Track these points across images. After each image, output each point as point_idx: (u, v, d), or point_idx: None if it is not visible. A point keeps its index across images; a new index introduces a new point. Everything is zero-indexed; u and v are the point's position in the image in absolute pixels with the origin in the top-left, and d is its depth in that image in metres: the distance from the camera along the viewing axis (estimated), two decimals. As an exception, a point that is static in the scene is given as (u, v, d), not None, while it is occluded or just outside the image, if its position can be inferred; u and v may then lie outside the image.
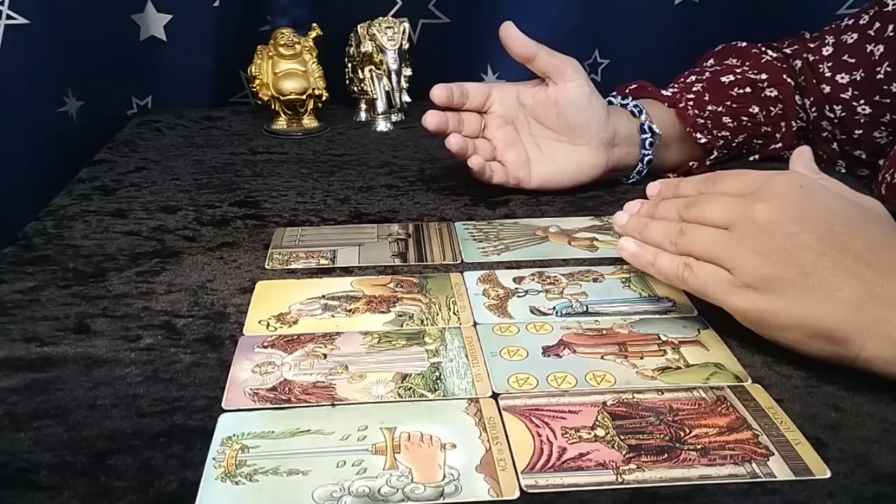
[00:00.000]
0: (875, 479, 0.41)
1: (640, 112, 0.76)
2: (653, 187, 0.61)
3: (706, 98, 0.80)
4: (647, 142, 0.76)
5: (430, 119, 0.73)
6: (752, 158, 0.84)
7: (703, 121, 0.79)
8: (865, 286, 0.47)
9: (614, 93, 0.81)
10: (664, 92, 0.80)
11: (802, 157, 0.58)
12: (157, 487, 0.41)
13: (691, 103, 0.79)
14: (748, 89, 0.82)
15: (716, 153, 0.80)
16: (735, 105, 0.81)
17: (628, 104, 0.77)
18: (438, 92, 0.74)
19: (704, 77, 0.83)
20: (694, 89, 0.81)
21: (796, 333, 0.48)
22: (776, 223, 0.49)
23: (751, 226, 0.50)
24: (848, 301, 0.47)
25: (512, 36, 0.74)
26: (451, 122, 0.74)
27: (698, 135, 0.78)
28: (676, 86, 0.83)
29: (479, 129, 0.76)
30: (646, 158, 0.77)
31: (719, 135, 0.80)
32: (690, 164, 0.80)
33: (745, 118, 0.81)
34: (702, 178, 0.58)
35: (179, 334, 0.54)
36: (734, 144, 0.81)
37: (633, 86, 0.82)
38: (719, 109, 0.80)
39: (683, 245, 0.54)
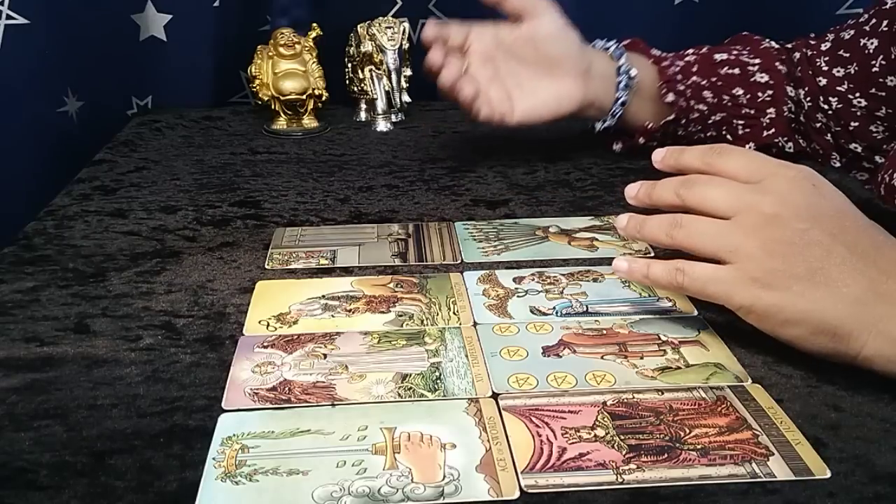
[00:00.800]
0: (875, 479, 0.41)
1: (620, 55, 0.79)
2: (658, 153, 0.58)
3: (694, 70, 0.82)
4: (623, 83, 0.79)
5: (434, 58, 0.75)
6: (749, 146, 0.84)
7: (682, 87, 0.81)
8: (871, 283, 0.47)
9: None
10: (653, 51, 0.82)
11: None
12: (157, 487, 0.41)
13: (677, 69, 0.81)
14: (736, 70, 0.83)
15: (684, 122, 0.82)
16: (720, 83, 0.82)
17: (609, 48, 0.80)
18: (429, 30, 0.76)
19: (700, 52, 0.85)
20: (686, 59, 0.83)
21: (800, 329, 0.48)
22: (786, 218, 0.49)
23: (759, 218, 0.49)
24: (853, 297, 0.47)
25: None
26: (443, 61, 0.76)
27: (669, 94, 0.80)
28: (671, 54, 0.84)
29: (462, 68, 0.77)
30: (620, 99, 0.79)
31: (695, 106, 0.82)
32: (647, 123, 0.81)
33: (726, 97, 0.82)
34: (707, 148, 0.55)
35: (179, 334, 0.54)
36: (710, 122, 0.83)
37: (627, 41, 0.83)
38: (703, 82, 0.82)
39: (681, 237, 0.52)
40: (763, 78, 0.83)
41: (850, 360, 0.47)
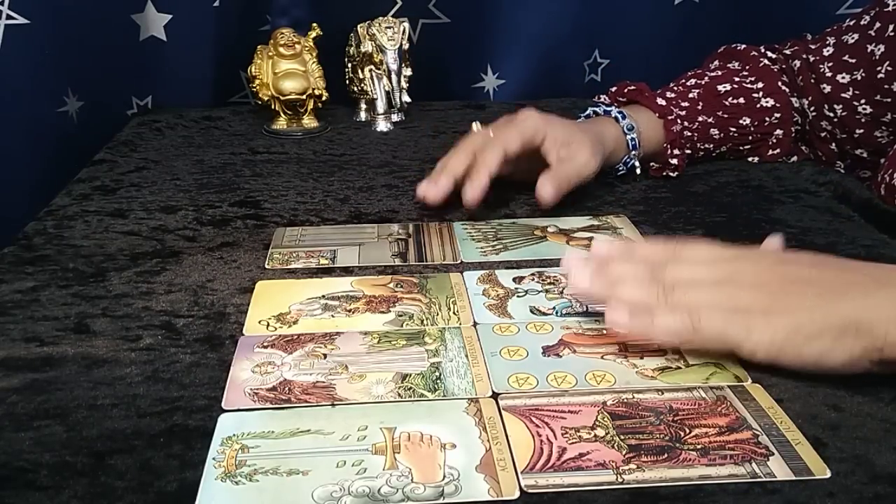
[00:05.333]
0: (875, 479, 0.41)
1: (632, 129, 0.78)
2: (601, 247, 0.57)
3: (699, 107, 0.82)
4: (630, 165, 0.80)
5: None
6: (751, 159, 0.84)
7: (689, 133, 0.80)
8: (874, 280, 0.49)
9: (614, 88, 0.83)
10: (658, 101, 0.81)
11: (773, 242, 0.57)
12: (157, 487, 0.41)
13: (683, 112, 0.81)
14: (742, 100, 0.83)
15: (687, 164, 0.82)
16: (726, 115, 0.83)
17: (620, 121, 0.78)
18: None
19: (703, 82, 0.84)
20: (690, 96, 0.83)
21: (824, 340, 0.47)
22: (770, 267, 0.52)
23: (746, 273, 0.51)
24: (863, 292, 0.48)
25: (547, 194, 0.70)
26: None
27: (676, 151, 0.80)
28: (675, 90, 0.84)
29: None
30: (619, 173, 0.80)
31: (702, 147, 0.82)
32: (651, 164, 0.82)
33: (733, 129, 0.83)
34: (663, 245, 0.55)
35: (179, 334, 0.54)
36: (714, 154, 0.84)
37: (632, 87, 0.82)
38: (710, 120, 0.82)
39: (680, 301, 0.50)
40: (769, 102, 0.83)
41: (877, 354, 0.47)
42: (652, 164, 0.81)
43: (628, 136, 0.78)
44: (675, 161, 0.80)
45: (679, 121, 0.80)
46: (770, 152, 0.84)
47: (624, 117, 0.78)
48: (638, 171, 0.80)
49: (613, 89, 0.83)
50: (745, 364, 0.50)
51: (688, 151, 0.81)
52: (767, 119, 0.83)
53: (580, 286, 0.54)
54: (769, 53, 0.86)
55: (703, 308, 0.49)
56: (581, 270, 0.54)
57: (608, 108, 0.80)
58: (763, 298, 0.49)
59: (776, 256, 0.54)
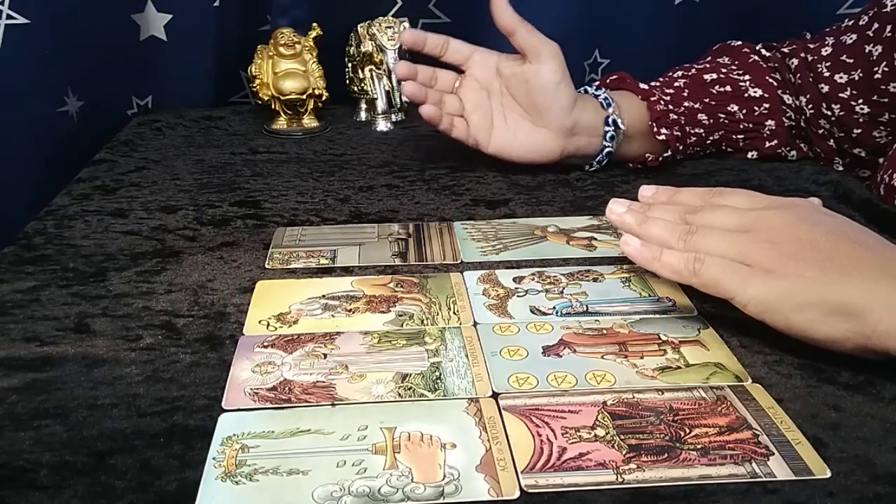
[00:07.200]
0: (875, 479, 0.41)
1: (609, 105, 0.78)
2: (647, 190, 0.62)
3: (685, 94, 0.82)
4: (609, 135, 0.78)
5: (409, 89, 0.77)
6: (750, 155, 0.84)
7: (675, 116, 0.80)
8: (880, 268, 0.49)
9: (597, 82, 0.83)
10: (641, 85, 0.81)
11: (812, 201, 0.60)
12: (157, 487, 0.41)
13: (667, 97, 0.81)
14: (728, 88, 0.83)
15: (682, 148, 0.81)
16: (713, 102, 0.83)
17: (599, 95, 0.79)
18: (409, 36, 0.79)
19: (690, 73, 0.85)
20: (675, 84, 0.83)
21: (813, 312, 0.48)
22: (791, 224, 0.52)
23: (767, 227, 0.52)
24: (865, 277, 0.48)
25: (499, 6, 0.75)
26: (421, 75, 0.78)
27: (663, 129, 0.79)
28: (660, 80, 0.84)
29: (452, 86, 0.79)
30: (605, 150, 0.79)
31: (692, 131, 0.82)
32: (647, 155, 0.81)
33: (722, 115, 0.83)
34: (704, 190, 0.59)
35: (179, 334, 0.54)
36: (709, 141, 0.83)
37: (614, 76, 0.83)
38: (696, 106, 0.82)
39: (695, 243, 0.54)
40: (757, 92, 0.83)
41: (863, 340, 0.47)
42: (648, 154, 0.81)
43: (601, 97, 0.78)
44: (662, 138, 0.79)
45: (663, 103, 0.80)
46: (767, 144, 0.84)
47: (600, 89, 0.79)
48: (623, 127, 0.78)
49: (597, 83, 0.84)
50: (745, 364, 0.51)
51: (677, 133, 0.80)
52: (757, 109, 0.83)
53: (616, 211, 0.58)
54: (763, 51, 0.86)
55: (710, 254, 0.52)
56: (620, 202, 0.59)
57: (586, 87, 0.80)
58: (771, 257, 0.50)
59: (804, 215, 0.53)
